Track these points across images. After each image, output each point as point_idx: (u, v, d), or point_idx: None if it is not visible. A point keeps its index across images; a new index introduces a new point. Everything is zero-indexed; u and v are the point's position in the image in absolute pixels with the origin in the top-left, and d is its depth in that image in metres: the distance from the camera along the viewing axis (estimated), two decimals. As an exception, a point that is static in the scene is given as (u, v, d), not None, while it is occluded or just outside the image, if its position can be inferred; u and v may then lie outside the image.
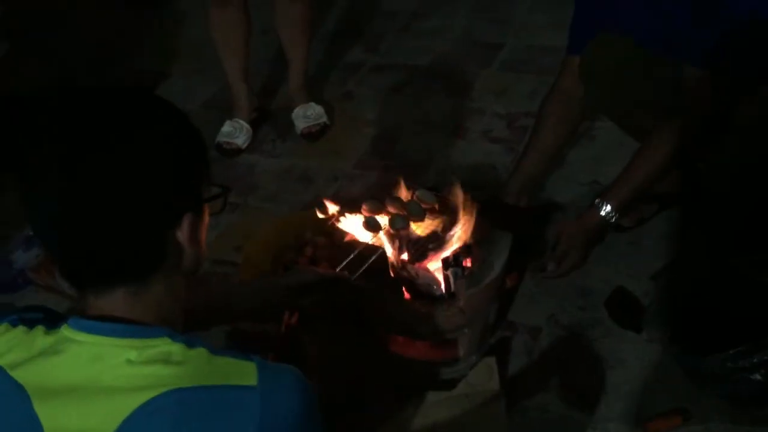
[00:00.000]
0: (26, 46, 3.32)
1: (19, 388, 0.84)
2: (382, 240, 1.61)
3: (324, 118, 2.64)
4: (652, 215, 2.05)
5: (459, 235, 1.61)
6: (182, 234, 0.91)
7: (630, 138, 2.02)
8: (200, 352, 0.85)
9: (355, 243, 1.63)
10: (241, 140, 2.59)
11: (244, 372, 0.84)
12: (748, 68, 1.56)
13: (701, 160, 1.94)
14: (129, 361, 0.83)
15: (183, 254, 0.93)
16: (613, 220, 1.76)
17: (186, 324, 1.28)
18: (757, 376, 1.54)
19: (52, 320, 0.91)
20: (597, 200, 1.77)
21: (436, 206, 1.66)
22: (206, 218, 0.97)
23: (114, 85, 0.95)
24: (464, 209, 1.63)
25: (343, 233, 1.64)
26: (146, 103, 0.93)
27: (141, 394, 0.81)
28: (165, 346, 0.85)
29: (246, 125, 2.61)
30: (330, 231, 1.66)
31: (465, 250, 1.60)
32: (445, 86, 2.83)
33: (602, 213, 1.75)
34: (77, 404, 0.83)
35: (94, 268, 0.88)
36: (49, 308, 0.97)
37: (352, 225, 1.66)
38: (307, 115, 2.63)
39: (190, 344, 0.86)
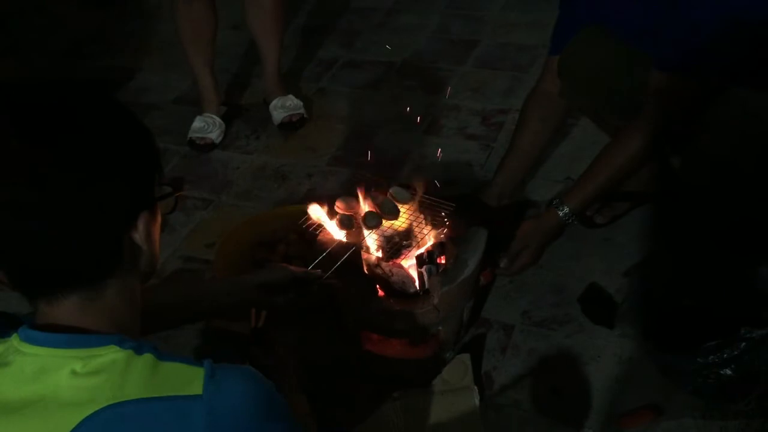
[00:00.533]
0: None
1: None
2: (356, 237, 1.60)
3: (302, 110, 2.64)
4: (625, 212, 2.06)
5: (433, 232, 1.60)
6: (138, 234, 0.90)
7: (605, 136, 2.03)
8: (147, 359, 0.83)
9: (329, 241, 1.62)
10: (214, 135, 2.57)
11: (190, 380, 0.82)
12: (712, 70, 1.57)
13: (676, 157, 1.96)
14: (73, 373, 0.81)
15: (139, 256, 0.91)
16: (570, 221, 1.77)
17: (157, 323, 1.27)
18: (728, 372, 1.55)
19: (7, 325, 0.89)
20: (555, 201, 1.78)
21: (411, 204, 1.65)
22: (158, 218, 0.95)
23: (70, 80, 0.91)
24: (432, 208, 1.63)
25: (316, 231, 1.63)
26: (95, 100, 0.90)
27: (84, 408, 0.79)
28: (111, 354, 0.82)
29: (219, 120, 2.60)
30: (303, 228, 1.64)
31: (439, 248, 1.59)
32: (420, 83, 2.83)
33: (560, 214, 1.76)
34: (23, 420, 0.80)
35: (46, 276, 0.86)
36: (7, 313, 0.95)
37: (327, 223, 1.65)
38: (285, 105, 2.63)
39: (139, 350, 0.83)
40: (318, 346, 1.74)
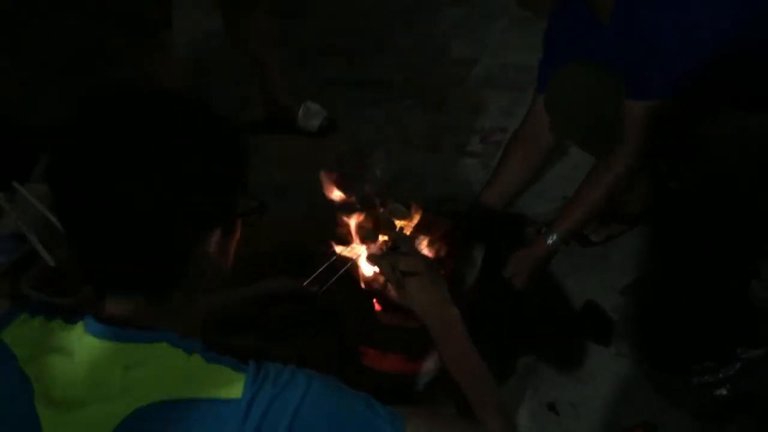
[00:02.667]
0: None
1: (26, 382, 0.85)
2: (353, 252, 1.61)
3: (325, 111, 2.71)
4: (621, 232, 2.08)
5: (431, 246, 1.62)
6: (210, 249, 0.90)
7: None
8: (195, 360, 0.85)
9: (326, 254, 1.63)
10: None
11: (232, 383, 0.83)
12: (682, 93, 1.60)
13: (672, 179, 1.97)
14: (125, 367, 0.83)
15: (208, 269, 0.92)
16: (558, 248, 1.79)
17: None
18: (723, 392, 1.56)
19: (71, 312, 0.91)
20: (544, 229, 1.80)
21: (409, 221, 1.67)
22: (238, 233, 0.96)
23: (135, 88, 0.91)
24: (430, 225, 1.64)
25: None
26: (189, 108, 0.90)
27: (130, 404, 0.81)
28: (162, 352, 0.85)
29: None
30: (302, 243, 1.66)
31: (437, 263, 1.60)
32: (420, 102, 2.85)
33: (549, 242, 1.77)
34: (75, 411, 0.83)
35: (117, 275, 0.88)
36: (52, 303, 0.97)
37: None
38: (313, 112, 2.69)
39: (188, 350, 0.85)
40: (316, 360, 1.74)
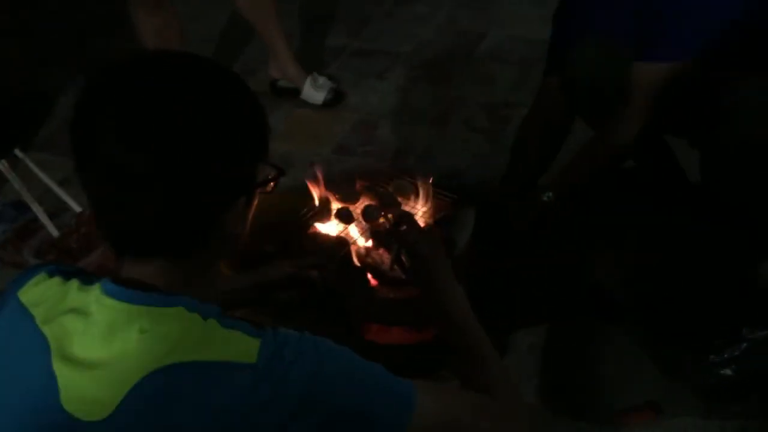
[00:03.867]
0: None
1: (44, 342, 0.85)
2: (348, 230, 1.60)
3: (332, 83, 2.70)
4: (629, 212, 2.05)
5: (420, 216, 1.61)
6: (232, 216, 0.90)
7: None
8: (211, 324, 0.85)
9: (318, 234, 1.62)
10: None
11: (248, 347, 0.83)
12: (698, 56, 1.59)
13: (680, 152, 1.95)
14: (141, 330, 0.83)
15: (227, 236, 0.91)
16: (552, 203, 1.79)
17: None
18: (728, 372, 1.55)
19: (87, 274, 0.91)
20: (540, 187, 1.82)
21: (413, 196, 1.65)
22: (256, 201, 0.95)
23: (189, 54, 0.90)
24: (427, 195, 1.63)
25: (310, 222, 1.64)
26: (219, 75, 0.89)
27: (145, 367, 0.81)
28: (178, 315, 0.84)
29: None
30: (302, 216, 1.64)
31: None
32: (427, 74, 2.82)
33: (544, 198, 1.78)
34: (92, 371, 0.83)
35: (141, 237, 0.87)
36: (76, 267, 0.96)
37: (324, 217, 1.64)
38: (320, 84, 2.67)
39: (205, 315, 0.85)
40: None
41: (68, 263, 1.84)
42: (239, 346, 0.84)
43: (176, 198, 0.84)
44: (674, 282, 1.76)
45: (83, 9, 3.32)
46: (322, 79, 2.69)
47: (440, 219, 1.64)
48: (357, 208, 1.63)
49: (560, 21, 1.86)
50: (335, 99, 2.67)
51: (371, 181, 1.69)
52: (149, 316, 0.84)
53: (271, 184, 0.95)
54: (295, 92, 2.69)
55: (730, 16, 1.58)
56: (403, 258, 1.30)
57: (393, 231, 1.37)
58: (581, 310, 1.80)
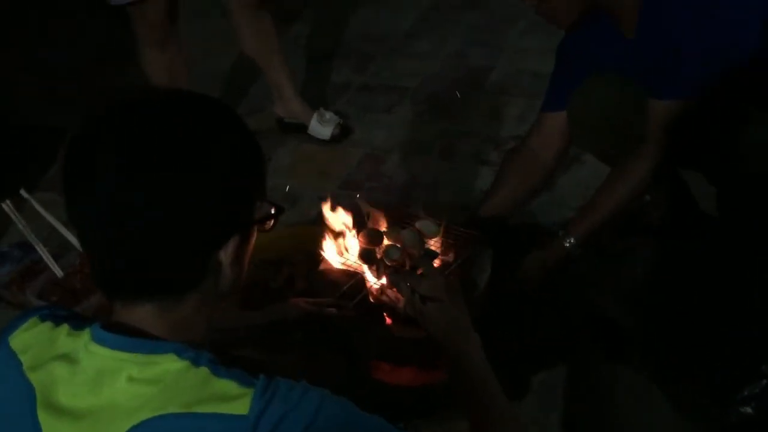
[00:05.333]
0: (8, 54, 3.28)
1: (30, 390, 0.84)
2: (361, 267, 1.59)
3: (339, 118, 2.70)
4: (639, 244, 2.03)
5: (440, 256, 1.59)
6: (226, 256, 0.87)
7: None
8: (202, 373, 0.82)
9: (331, 270, 1.61)
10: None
11: (240, 398, 0.80)
12: (708, 94, 1.58)
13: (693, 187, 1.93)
14: (130, 379, 0.81)
15: (221, 276, 0.89)
16: (576, 252, 1.75)
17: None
18: (748, 410, 1.51)
19: (79, 319, 0.90)
20: (561, 232, 1.76)
21: (439, 238, 1.64)
22: (253, 239, 0.93)
23: (186, 92, 0.90)
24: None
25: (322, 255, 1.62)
26: (212, 111, 0.88)
27: (133, 417, 0.79)
28: (168, 363, 0.82)
29: None
30: (310, 251, 1.63)
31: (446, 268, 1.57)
32: (433, 108, 2.82)
33: (566, 245, 1.74)
34: (78, 421, 0.81)
35: (131, 280, 0.86)
36: (77, 312, 0.95)
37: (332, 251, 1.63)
38: (327, 119, 2.67)
39: (196, 362, 0.82)
40: (327, 376, 1.71)
41: (71, 303, 1.86)
42: (230, 398, 0.80)
43: (170, 235, 0.82)
44: (690, 317, 1.73)
45: (93, 43, 3.35)
46: (328, 115, 2.69)
47: (462, 262, 1.61)
48: (380, 249, 1.62)
49: (562, 56, 1.85)
50: (342, 134, 2.67)
51: (398, 218, 1.68)
52: (138, 364, 0.82)
53: (269, 222, 0.94)
54: (302, 128, 2.70)
55: (750, 53, 1.57)
56: (415, 302, 1.25)
57: (408, 275, 1.31)
58: (592, 347, 1.77)
